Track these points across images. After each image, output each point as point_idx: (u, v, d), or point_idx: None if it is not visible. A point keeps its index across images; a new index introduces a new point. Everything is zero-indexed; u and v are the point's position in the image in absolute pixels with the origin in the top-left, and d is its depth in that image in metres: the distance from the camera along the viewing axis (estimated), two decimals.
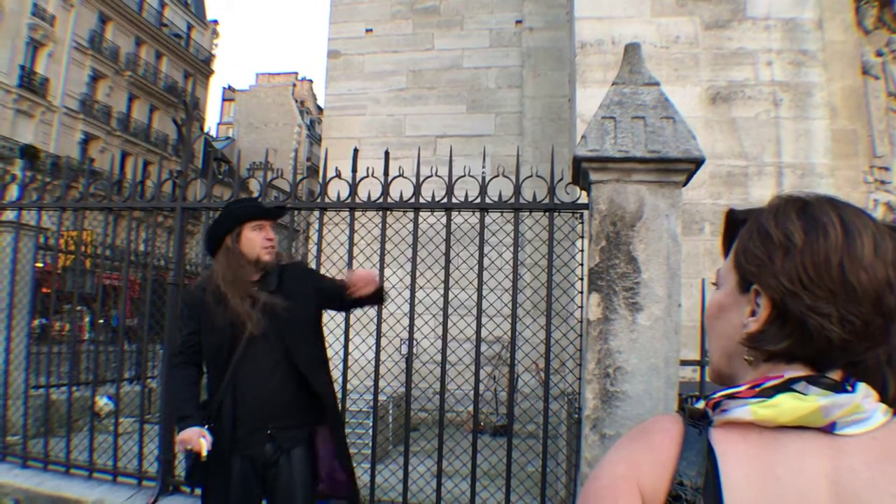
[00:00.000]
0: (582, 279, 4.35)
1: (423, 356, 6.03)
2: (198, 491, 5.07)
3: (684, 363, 4.09)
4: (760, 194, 7.18)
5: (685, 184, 3.92)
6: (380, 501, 4.88)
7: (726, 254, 1.11)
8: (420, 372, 5.45)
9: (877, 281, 0.92)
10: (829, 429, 0.92)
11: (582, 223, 4.44)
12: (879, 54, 8.44)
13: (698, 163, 3.83)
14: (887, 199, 8.03)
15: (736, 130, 7.26)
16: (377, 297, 3.54)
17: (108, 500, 5.08)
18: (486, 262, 5.20)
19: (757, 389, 0.95)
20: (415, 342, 9.02)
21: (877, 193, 8.09)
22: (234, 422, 3.20)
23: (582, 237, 4.40)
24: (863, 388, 0.94)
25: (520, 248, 4.69)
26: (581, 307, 4.36)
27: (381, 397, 7.98)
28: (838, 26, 8.00)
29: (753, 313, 0.99)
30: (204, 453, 3.06)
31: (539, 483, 4.67)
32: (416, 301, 4.80)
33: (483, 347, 4.70)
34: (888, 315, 0.93)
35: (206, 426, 3.15)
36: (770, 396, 0.93)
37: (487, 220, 4.76)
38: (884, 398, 0.95)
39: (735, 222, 1.11)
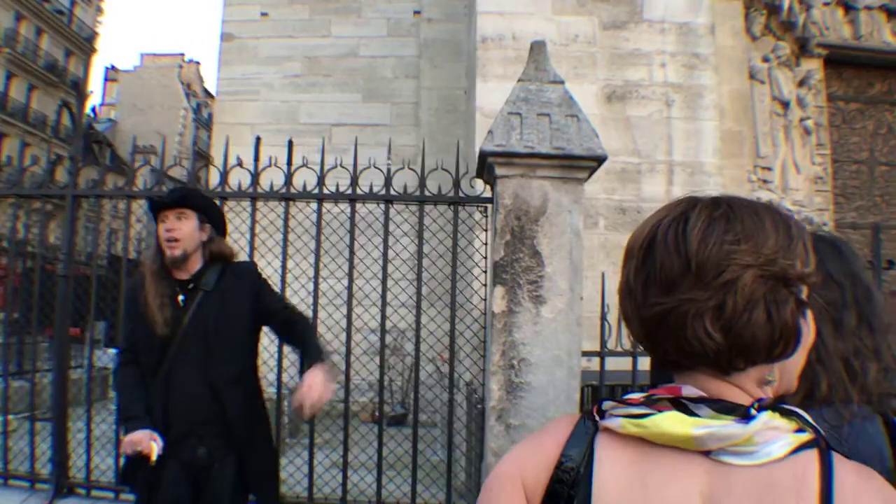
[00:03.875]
0: (486, 272, 4.41)
1: (337, 349, 5.98)
2: (95, 492, 4.92)
3: (586, 354, 4.21)
4: (653, 191, 7.44)
5: (586, 180, 4.03)
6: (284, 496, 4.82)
7: None
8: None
9: (688, 257, 0.95)
10: (706, 453, 0.92)
11: (486, 216, 4.49)
12: (766, 60, 8.88)
13: (601, 160, 3.94)
14: (770, 197, 8.46)
15: (630, 128, 7.51)
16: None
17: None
18: (372, 252, 5.21)
19: (645, 399, 0.97)
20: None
21: (760, 192, 8.52)
22: (167, 424, 3.01)
23: (486, 230, 4.45)
24: (763, 418, 0.91)
25: (413, 241, 4.71)
26: (485, 299, 4.42)
27: (271, 390, 7.89)
28: (728, 32, 8.37)
29: None
30: (154, 457, 2.90)
31: (440, 471, 4.72)
32: (308, 291, 4.76)
33: (386, 338, 4.69)
34: (716, 290, 0.92)
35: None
36: (659, 410, 0.94)
37: (368, 210, 4.75)
38: (816, 395, 0.99)
39: None
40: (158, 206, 3.16)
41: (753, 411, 0.91)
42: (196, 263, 3.16)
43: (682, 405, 0.93)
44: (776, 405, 0.94)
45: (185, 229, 3.11)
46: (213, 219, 3.27)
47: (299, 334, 3.22)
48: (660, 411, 0.94)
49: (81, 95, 10.10)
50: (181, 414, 3.02)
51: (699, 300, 0.92)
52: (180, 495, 3.00)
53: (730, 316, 0.91)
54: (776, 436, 0.91)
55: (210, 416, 3.04)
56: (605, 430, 0.99)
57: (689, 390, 0.95)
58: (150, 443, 2.90)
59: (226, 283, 3.17)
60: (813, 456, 0.91)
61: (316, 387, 2.84)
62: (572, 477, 0.96)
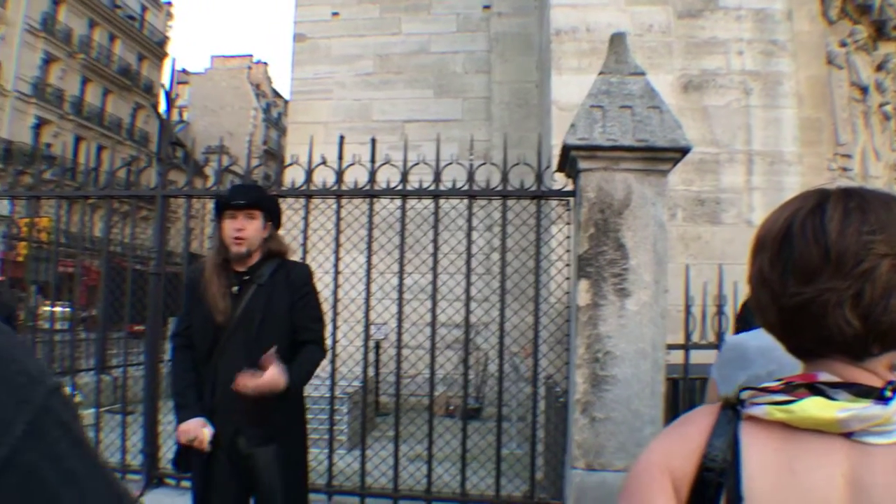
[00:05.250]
0: (567, 265, 4.42)
1: (412, 342, 6.05)
2: (184, 483, 5.07)
3: (671, 347, 4.19)
4: (731, 181, 7.32)
5: (670, 171, 4.01)
6: (370, 487, 4.91)
7: None
8: (409, 359, 5.48)
9: (827, 247, 0.96)
10: (848, 435, 0.95)
11: (568, 210, 4.49)
12: (843, 44, 8.64)
13: (685, 152, 3.92)
14: (850, 185, 8.22)
15: (707, 118, 7.39)
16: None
17: None
18: (455, 247, 5.25)
19: (784, 386, 0.99)
20: (389, 328, 9.08)
21: (840, 180, 8.29)
22: (212, 412, 3.14)
23: (569, 223, 4.45)
24: None
25: (494, 235, 4.74)
26: (567, 293, 4.43)
27: (357, 384, 8.01)
28: (805, 16, 8.16)
29: None
30: (206, 446, 3.02)
31: (523, 464, 4.74)
32: (394, 286, 4.83)
33: (457, 333, 4.74)
34: (857, 280, 0.94)
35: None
36: (794, 399, 0.96)
37: (448, 204, 4.80)
38: None
39: None
40: (227, 205, 3.31)
41: (889, 393, 0.94)
42: (255, 258, 3.31)
43: (820, 390, 0.96)
44: None
45: (251, 229, 3.27)
46: (275, 217, 3.43)
47: (298, 359, 3.25)
48: (799, 398, 0.96)
49: (170, 100, 10.28)
50: (225, 403, 3.13)
51: (839, 289, 0.94)
52: (231, 482, 3.13)
53: (868, 304, 0.94)
54: None
55: (252, 406, 3.10)
56: (749, 419, 1.01)
57: (824, 376, 0.98)
58: (202, 430, 3.03)
59: (277, 279, 3.30)
60: None
61: (268, 378, 2.97)
62: (720, 465, 0.98)
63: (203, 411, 3.13)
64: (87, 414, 6.82)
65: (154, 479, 5.13)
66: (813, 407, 0.95)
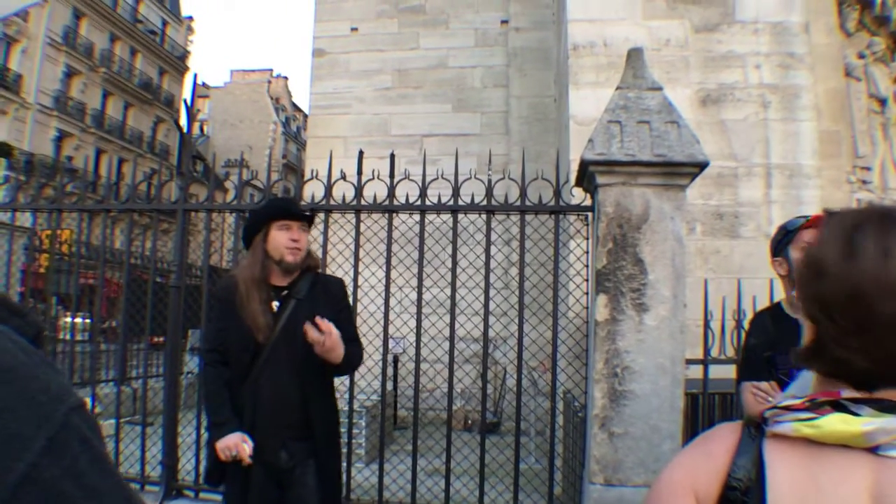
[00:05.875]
0: (586, 280, 4.43)
1: (430, 357, 6.07)
2: (203, 495, 5.11)
3: (689, 362, 4.18)
4: (750, 195, 7.31)
5: (688, 186, 4.01)
6: (388, 502, 4.92)
7: None
8: (427, 373, 5.50)
9: None
10: (872, 450, 0.95)
11: (586, 224, 4.50)
12: (861, 56, 8.60)
13: (702, 166, 3.92)
14: (870, 198, 8.18)
15: (726, 132, 7.39)
16: (335, 367, 3.27)
17: None
18: (473, 262, 5.26)
19: (810, 404, 0.99)
20: (408, 342, 9.10)
21: (859, 193, 8.25)
22: (252, 427, 3.16)
23: (587, 238, 4.46)
24: None
25: (512, 249, 4.75)
26: (586, 308, 4.43)
27: (375, 398, 8.02)
28: (822, 29, 8.15)
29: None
30: (248, 460, 3.05)
31: (541, 479, 4.73)
32: (412, 301, 4.85)
33: (475, 347, 4.75)
34: None
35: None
36: (818, 416, 0.97)
37: (466, 219, 4.83)
38: None
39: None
40: (285, 216, 3.30)
41: None
42: (297, 272, 3.32)
43: (843, 406, 0.97)
44: None
45: (304, 240, 3.31)
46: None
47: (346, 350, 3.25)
48: (823, 414, 0.97)
49: (190, 114, 10.34)
50: (269, 418, 3.16)
51: None
52: (267, 498, 3.15)
53: None
54: None
55: (297, 421, 3.18)
56: (773, 437, 1.01)
57: (847, 393, 0.99)
58: (242, 445, 3.05)
59: (316, 293, 3.31)
60: None
61: (336, 337, 3.03)
62: (745, 484, 0.99)
63: (241, 427, 3.14)
64: (107, 425, 6.89)
65: (173, 490, 5.16)
66: (838, 422, 0.96)
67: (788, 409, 1.01)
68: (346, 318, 3.39)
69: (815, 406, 0.99)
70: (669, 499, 1.03)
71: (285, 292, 3.29)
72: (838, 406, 0.97)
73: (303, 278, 3.33)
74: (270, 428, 3.16)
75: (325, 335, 3.01)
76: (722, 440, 1.06)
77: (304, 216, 3.39)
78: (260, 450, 3.13)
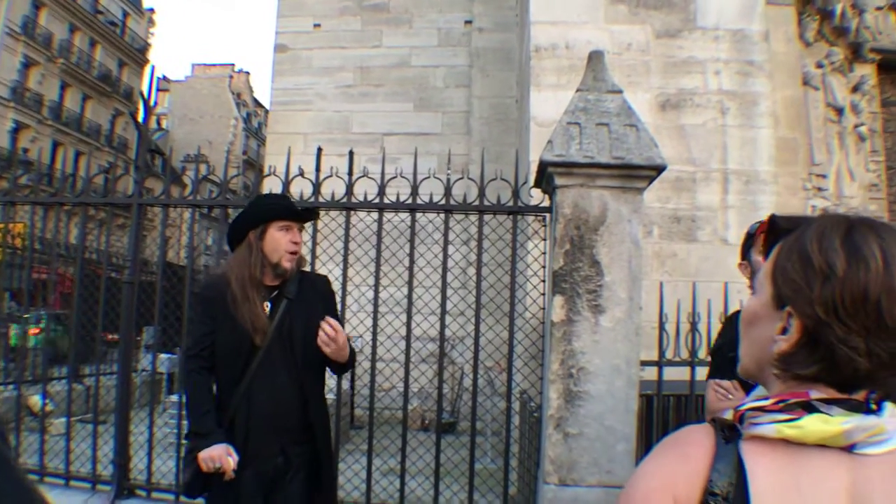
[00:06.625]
0: (545, 281, 4.43)
1: (387, 356, 6.04)
2: (155, 494, 5.02)
3: (644, 364, 4.22)
4: (707, 199, 7.40)
5: (646, 189, 4.04)
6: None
7: (765, 256, 1.14)
8: (384, 372, 5.47)
9: None
10: (848, 448, 0.97)
11: (544, 225, 4.51)
12: (819, 66, 8.77)
13: (660, 170, 3.95)
14: (825, 205, 8.35)
15: (684, 137, 7.48)
16: (339, 366, 3.23)
17: None
18: (431, 261, 5.25)
19: (782, 405, 0.99)
20: (364, 341, 9.05)
21: (815, 200, 8.42)
22: (247, 433, 3.02)
23: (544, 239, 4.48)
24: (889, 408, 0.98)
25: (470, 249, 4.75)
26: (543, 308, 4.44)
27: (331, 396, 7.96)
28: (781, 38, 8.29)
29: (784, 331, 1.02)
30: (231, 473, 2.92)
31: (496, 479, 4.74)
32: (369, 299, 4.82)
33: (432, 346, 4.74)
34: None
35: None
36: (797, 417, 0.97)
37: (424, 218, 4.83)
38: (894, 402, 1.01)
39: (776, 229, 1.14)
40: (289, 216, 3.18)
41: (873, 406, 0.98)
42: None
43: (813, 407, 0.98)
44: (885, 397, 1.00)
45: (301, 242, 3.21)
46: None
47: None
48: (801, 416, 0.98)
49: (147, 107, 10.05)
50: (266, 422, 3.03)
51: None
52: (254, 502, 3.01)
53: None
54: None
55: (295, 424, 3.07)
56: (750, 438, 1.01)
57: (816, 394, 0.99)
58: (227, 458, 2.91)
59: (305, 292, 3.20)
60: None
61: (343, 336, 2.97)
62: (726, 490, 0.98)
63: (230, 436, 3.01)
64: (59, 423, 6.76)
65: (125, 490, 5.06)
66: (819, 422, 0.96)
67: (763, 410, 1.00)
68: (335, 317, 3.27)
69: (789, 407, 0.99)
70: None
71: (275, 292, 3.17)
72: (809, 407, 0.98)
73: (292, 277, 3.19)
74: (268, 433, 3.03)
75: (337, 334, 2.94)
76: (697, 444, 1.04)
77: (306, 217, 3.29)
78: (254, 456, 3.01)
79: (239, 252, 3.17)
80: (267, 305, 3.13)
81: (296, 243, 3.13)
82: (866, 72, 8.97)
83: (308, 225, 4.76)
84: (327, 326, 2.93)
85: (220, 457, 2.91)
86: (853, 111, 8.90)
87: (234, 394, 3.06)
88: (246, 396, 3.06)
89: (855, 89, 8.93)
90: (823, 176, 8.61)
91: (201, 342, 3.15)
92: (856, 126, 8.86)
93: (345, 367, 3.24)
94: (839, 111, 8.83)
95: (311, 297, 3.21)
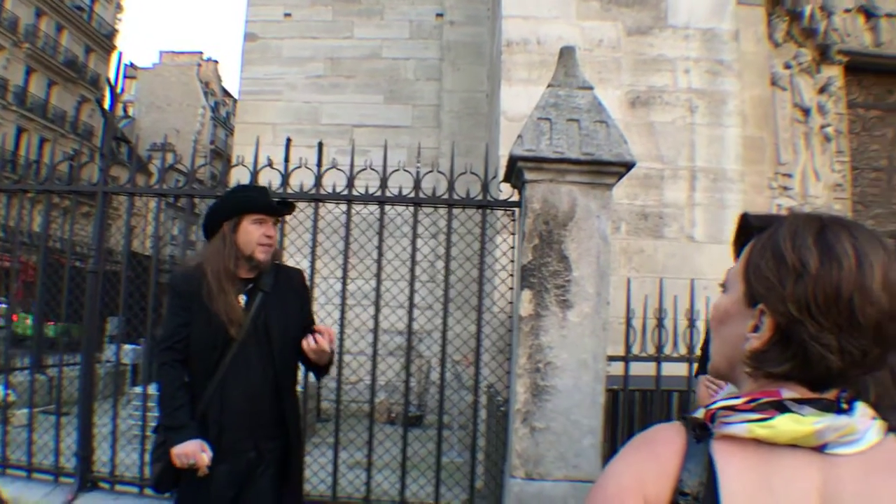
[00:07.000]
0: (511, 275, 4.44)
1: (354, 349, 6.03)
2: (118, 487, 4.96)
3: (611, 359, 4.24)
4: (674, 196, 7.45)
5: (615, 185, 4.06)
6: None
7: (737, 255, 1.14)
8: (351, 365, 5.46)
9: (881, 312, 0.96)
10: (820, 448, 0.97)
11: (513, 220, 4.52)
12: (787, 66, 8.88)
13: (629, 166, 3.98)
14: (790, 204, 8.46)
15: (653, 134, 7.52)
16: (319, 368, 3.20)
17: (23, 497, 4.83)
18: (399, 254, 5.24)
19: (753, 404, 0.99)
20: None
21: (780, 199, 8.53)
22: (220, 427, 2.98)
23: (513, 234, 4.48)
24: (860, 408, 0.99)
25: (439, 243, 4.75)
26: (511, 303, 4.45)
27: (298, 388, 7.92)
28: (751, 38, 8.38)
29: (756, 328, 1.02)
30: (205, 470, 2.88)
31: (462, 473, 4.75)
32: (337, 292, 4.81)
33: (399, 340, 4.74)
34: (886, 344, 0.97)
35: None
36: (769, 416, 0.97)
37: (393, 211, 4.82)
38: (864, 401, 1.02)
39: (748, 227, 1.14)
40: (261, 209, 3.11)
41: (844, 405, 0.98)
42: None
43: (785, 407, 0.98)
44: (856, 396, 1.01)
45: (275, 235, 3.17)
46: None
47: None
48: (773, 416, 0.98)
49: (113, 94, 9.84)
50: (240, 417, 3.00)
51: None
52: (225, 497, 2.98)
53: None
54: (869, 423, 0.99)
55: (269, 419, 3.04)
56: (721, 438, 1.01)
57: (787, 393, 1.00)
58: (200, 454, 2.87)
59: (281, 285, 3.17)
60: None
61: (328, 335, 2.97)
62: (696, 489, 0.97)
63: (203, 429, 2.96)
64: (21, 414, 6.65)
65: (87, 482, 4.99)
66: (791, 422, 0.97)
67: (734, 409, 1.00)
68: (308, 311, 3.31)
69: (761, 407, 0.99)
70: None
71: (251, 285, 3.12)
72: (781, 407, 0.98)
73: (267, 270, 3.15)
74: (242, 428, 2.99)
75: (326, 338, 2.94)
76: (668, 443, 1.03)
77: (281, 212, 3.24)
78: (228, 452, 2.96)
79: (213, 243, 3.12)
80: (242, 298, 3.09)
81: (269, 237, 3.08)
82: (833, 73, 9.10)
83: None
84: (324, 341, 2.93)
85: (195, 453, 2.87)
86: (820, 112, 9.02)
87: (207, 387, 3.02)
88: (219, 390, 3.01)
89: (822, 90, 9.06)
90: (789, 175, 8.73)
91: (175, 334, 3.08)
92: (822, 127, 8.98)
93: (325, 369, 3.22)
94: (806, 112, 8.94)
95: (287, 290, 3.18)
